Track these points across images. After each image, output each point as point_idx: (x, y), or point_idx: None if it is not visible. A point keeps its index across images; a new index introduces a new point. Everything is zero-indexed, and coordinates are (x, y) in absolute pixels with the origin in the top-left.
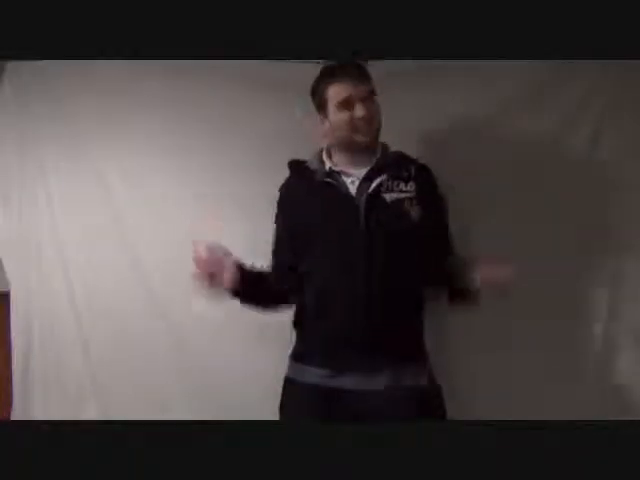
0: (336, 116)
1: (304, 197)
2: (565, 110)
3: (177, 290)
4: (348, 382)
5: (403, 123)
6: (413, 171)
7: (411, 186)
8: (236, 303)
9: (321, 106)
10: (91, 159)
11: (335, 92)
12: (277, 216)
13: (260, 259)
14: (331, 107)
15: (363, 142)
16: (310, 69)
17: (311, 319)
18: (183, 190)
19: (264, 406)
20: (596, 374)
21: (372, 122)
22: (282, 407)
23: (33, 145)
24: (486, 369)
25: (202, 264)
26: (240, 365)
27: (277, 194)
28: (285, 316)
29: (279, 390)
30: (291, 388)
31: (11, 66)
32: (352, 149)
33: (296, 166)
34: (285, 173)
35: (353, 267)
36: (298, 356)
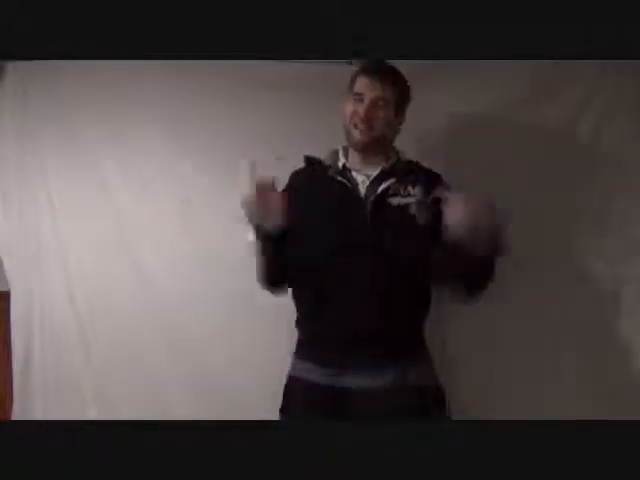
0: (345, 105)
1: (312, 190)
2: (565, 110)
3: (177, 290)
4: (350, 382)
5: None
6: (423, 178)
7: (419, 191)
8: (236, 302)
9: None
10: (91, 159)
11: (356, 84)
12: None
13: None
14: (348, 95)
15: (357, 139)
16: (311, 69)
17: (313, 317)
18: (183, 190)
19: (265, 406)
20: (597, 374)
21: (370, 124)
22: (283, 404)
23: (33, 145)
24: (486, 369)
25: (261, 193)
26: (240, 365)
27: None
28: (284, 317)
29: (279, 390)
30: (293, 386)
31: (11, 66)
32: (356, 147)
33: (311, 160)
34: (283, 173)
35: (356, 266)
36: (300, 354)
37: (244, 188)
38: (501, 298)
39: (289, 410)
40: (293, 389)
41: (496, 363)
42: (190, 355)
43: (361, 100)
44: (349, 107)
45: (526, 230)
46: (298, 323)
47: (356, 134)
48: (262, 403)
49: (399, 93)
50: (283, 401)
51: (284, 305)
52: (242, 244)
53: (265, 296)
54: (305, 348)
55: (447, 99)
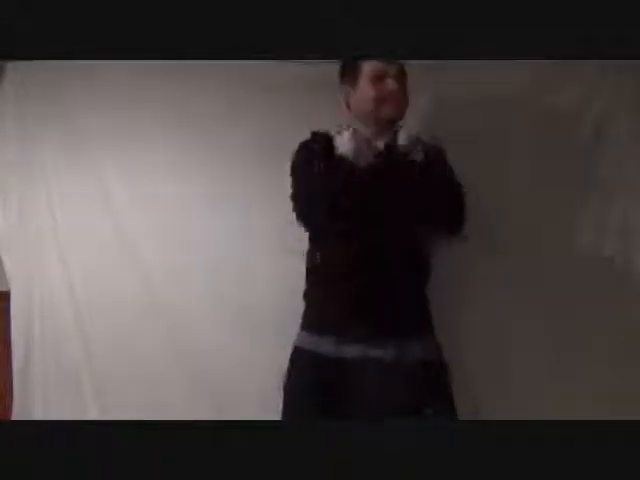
0: (366, 89)
1: (317, 160)
2: (565, 110)
3: (178, 290)
4: (351, 351)
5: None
6: (424, 147)
7: (420, 157)
8: (237, 302)
9: (352, 79)
10: (91, 159)
11: (370, 66)
12: (294, 170)
13: (259, 256)
14: (363, 79)
15: (389, 116)
16: (310, 69)
17: (316, 287)
18: (183, 190)
19: (265, 405)
20: (597, 374)
21: (402, 98)
22: (287, 375)
23: (33, 145)
24: (487, 369)
25: None
26: (240, 364)
27: (277, 188)
28: (286, 315)
29: (279, 389)
30: (297, 356)
31: (11, 66)
32: (375, 123)
33: (317, 134)
34: (284, 174)
35: (358, 236)
36: (305, 325)
37: None
38: (502, 298)
39: (291, 381)
40: (297, 359)
41: (497, 363)
42: (190, 355)
43: (383, 78)
44: (369, 91)
45: (526, 230)
46: (305, 295)
47: (388, 110)
48: (262, 403)
49: (402, 63)
50: (287, 372)
51: (284, 305)
52: (243, 244)
53: (266, 296)
54: (309, 318)
55: (447, 98)
